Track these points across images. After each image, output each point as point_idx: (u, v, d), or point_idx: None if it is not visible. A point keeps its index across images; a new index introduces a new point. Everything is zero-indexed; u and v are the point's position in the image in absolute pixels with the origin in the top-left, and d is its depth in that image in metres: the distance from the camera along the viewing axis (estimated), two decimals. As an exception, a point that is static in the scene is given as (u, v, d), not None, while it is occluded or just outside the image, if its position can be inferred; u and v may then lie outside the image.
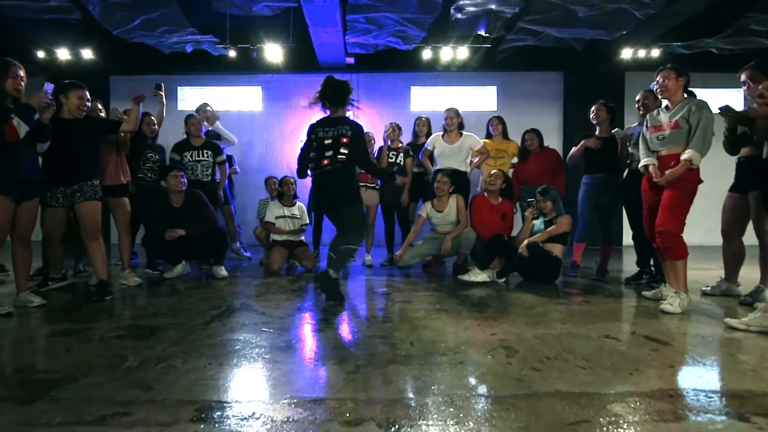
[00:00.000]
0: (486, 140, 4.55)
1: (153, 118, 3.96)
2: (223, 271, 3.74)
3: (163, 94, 4.26)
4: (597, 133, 3.80)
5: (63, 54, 5.89)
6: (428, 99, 6.84)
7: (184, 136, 4.32)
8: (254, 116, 6.84)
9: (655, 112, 2.95)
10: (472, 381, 1.59)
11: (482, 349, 1.92)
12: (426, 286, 3.42)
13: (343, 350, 1.95)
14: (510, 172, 4.47)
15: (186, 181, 3.66)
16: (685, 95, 2.81)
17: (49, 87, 2.67)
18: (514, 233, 4.06)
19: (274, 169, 6.72)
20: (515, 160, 4.59)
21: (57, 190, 2.94)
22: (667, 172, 2.69)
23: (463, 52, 5.53)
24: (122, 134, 3.51)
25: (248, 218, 6.37)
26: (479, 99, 6.84)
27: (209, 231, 3.70)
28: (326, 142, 2.85)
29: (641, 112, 3.47)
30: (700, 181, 2.73)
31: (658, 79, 2.83)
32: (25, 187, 2.62)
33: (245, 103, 6.90)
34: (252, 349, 1.94)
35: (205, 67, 6.54)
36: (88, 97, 3.06)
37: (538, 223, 3.71)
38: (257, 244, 4.91)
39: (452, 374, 1.65)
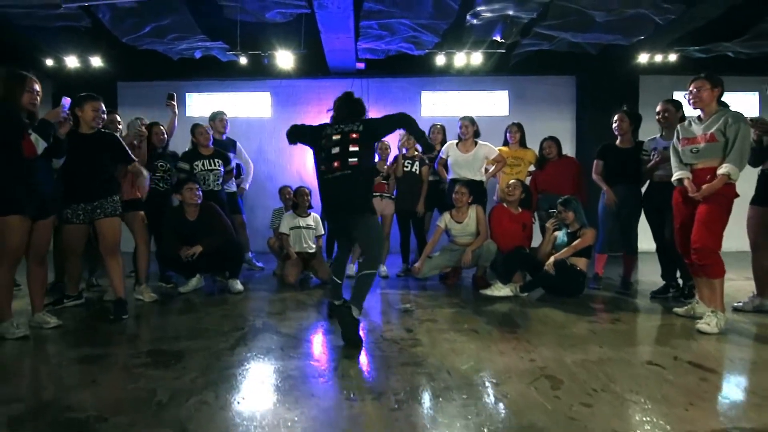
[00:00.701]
0: (503, 147, 4.47)
1: (162, 127, 3.86)
2: (238, 285, 3.67)
3: (175, 104, 4.22)
4: (618, 143, 3.71)
5: (71, 61, 5.82)
6: (439, 104, 6.76)
7: (191, 145, 4.23)
8: (263, 122, 6.77)
9: (686, 123, 2.86)
10: (524, 421, 1.51)
11: (524, 379, 1.84)
12: (448, 301, 3.34)
13: (379, 381, 1.87)
14: (527, 180, 4.39)
15: (201, 194, 3.58)
16: (719, 106, 2.73)
17: (66, 102, 2.60)
18: (533, 243, 3.98)
19: (283, 176, 6.66)
20: (532, 167, 4.51)
21: (77, 206, 2.87)
22: (703, 186, 2.60)
23: (476, 58, 5.45)
24: (139, 147, 3.45)
25: (257, 225, 6.30)
26: (491, 103, 6.75)
27: (225, 244, 3.62)
28: (334, 137, 2.56)
29: (663, 124, 3.39)
30: (736, 195, 2.64)
31: (691, 88, 2.74)
32: (41, 204, 2.55)
33: (254, 109, 6.82)
34: (285, 380, 1.86)
35: (214, 73, 6.47)
36: (104, 108, 2.98)
37: (561, 234, 3.62)
38: (267, 251, 4.84)
39: (500, 412, 1.57)
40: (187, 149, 4.17)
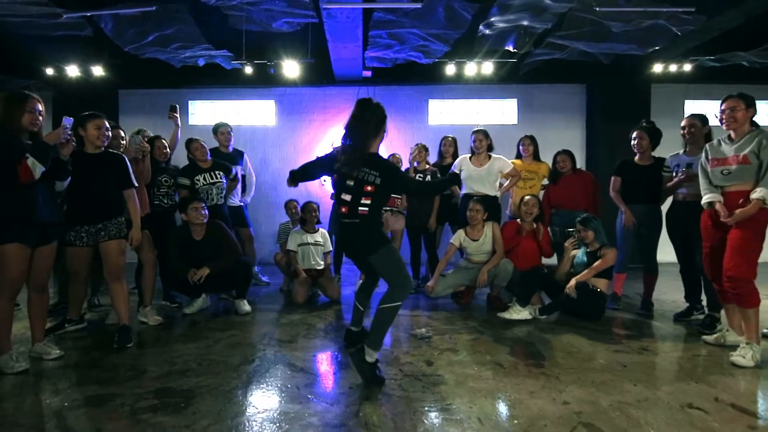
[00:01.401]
0: (516, 161, 4.36)
1: (164, 141, 3.72)
2: (246, 306, 3.54)
3: (177, 116, 4.09)
4: (637, 159, 3.59)
5: (72, 70, 5.68)
6: (446, 112, 6.65)
7: (188, 160, 4.08)
8: (267, 131, 6.65)
9: (715, 142, 2.75)
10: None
11: (561, 428, 1.72)
12: (465, 325, 3.21)
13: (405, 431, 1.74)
14: (540, 194, 4.28)
15: (207, 213, 3.46)
16: (751, 126, 2.61)
17: (68, 122, 2.47)
18: (547, 260, 3.86)
19: (288, 186, 6.52)
20: (545, 181, 4.40)
21: (81, 229, 2.74)
22: (736, 211, 2.48)
23: (487, 67, 5.34)
24: (143, 159, 3.31)
25: (261, 235, 6.18)
26: (499, 112, 6.64)
27: (234, 264, 3.49)
28: (348, 183, 2.30)
29: (687, 139, 3.27)
30: (771, 220, 2.53)
31: (723, 108, 2.63)
32: (42, 230, 2.42)
33: (258, 117, 6.70)
34: (305, 429, 1.73)
35: (217, 81, 6.35)
36: (107, 125, 2.85)
37: (580, 254, 3.50)
38: (272, 262, 4.72)
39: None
40: (187, 163, 4.04)
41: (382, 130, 2.34)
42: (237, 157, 4.61)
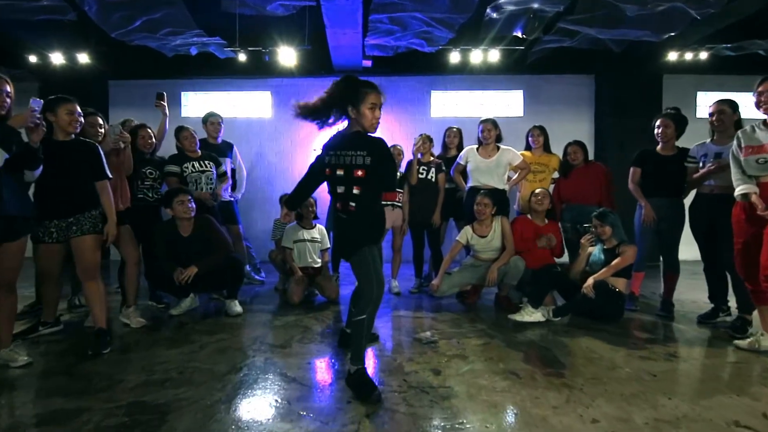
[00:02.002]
0: (524, 152, 4.11)
1: (150, 131, 3.46)
2: (237, 307, 3.30)
3: (165, 104, 3.84)
4: (659, 149, 3.34)
5: (57, 58, 5.43)
6: (449, 104, 6.39)
7: (177, 150, 3.82)
8: (263, 123, 6.39)
9: (749, 129, 2.50)
10: None
11: (593, 453, 1.48)
12: (473, 328, 2.97)
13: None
14: (550, 188, 4.04)
15: (194, 206, 3.20)
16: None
17: (36, 103, 2.20)
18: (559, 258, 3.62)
19: (284, 180, 6.29)
20: (555, 175, 4.16)
21: (50, 224, 2.49)
22: (776, 204, 2.24)
23: (493, 55, 5.08)
24: (123, 150, 3.05)
25: (257, 231, 5.94)
26: (504, 104, 6.38)
27: (224, 261, 3.25)
28: (338, 172, 2.05)
29: (716, 127, 3.02)
30: (813, 214, 2.28)
31: (760, 90, 2.38)
32: (8, 224, 2.18)
33: (254, 109, 6.45)
34: (294, 454, 1.49)
35: (211, 71, 6.10)
36: (80, 110, 2.59)
37: (596, 251, 3.26)
38: (266, 260, 4.48)
39: None
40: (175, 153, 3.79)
41: (356, 98, 1.98)
42: (226, 149, 4.35)
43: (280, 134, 6.36)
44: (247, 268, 4.59)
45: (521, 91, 6.32)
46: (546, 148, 4.11)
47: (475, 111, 6.33)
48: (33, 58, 5.37)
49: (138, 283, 3.11)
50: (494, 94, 6.35)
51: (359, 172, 1.99)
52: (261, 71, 5.83)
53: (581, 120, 6.31)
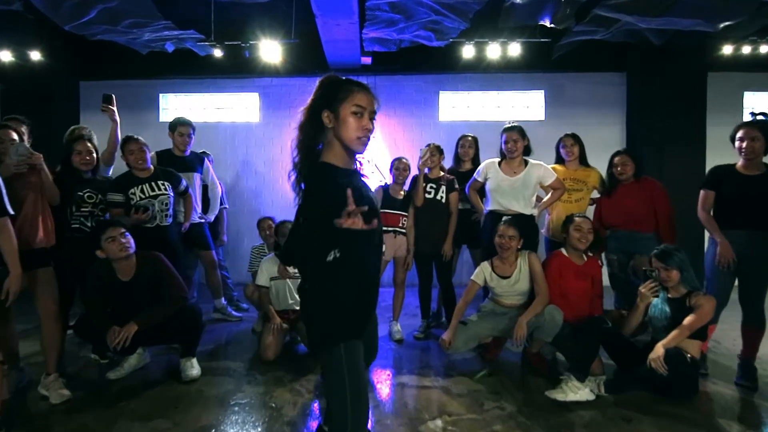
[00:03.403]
0: (555, 166, 3.37)
1: (88, 144, 2.75)
2: (193, 370, 2.58)
3: (114, 109, 3.14)
4: (741, 166, 2.57)
5: (25, 56, 4.75)
6: (460, 106, 5.65)
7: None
8: (251, 128, 5.68)
9: None
10: None
11: None
12: (499, 411, 2.22)
13: None
14: (588, 211, 3.29)
15: (132, 242, 2.48)
16: None
17: None
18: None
19: (273, 192, 5.58)
20: (595, 193, 3.40)
21: None
22: None
23: (513, 49, 4.32)
24: (37, 175, 2.36)
25: (243, 251, 5.24)
26: (523, 106, 5.63)
27: (176, 312, 2.53)
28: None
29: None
30: None
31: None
32: None
33: (240, 112, 5.75)
34: None
35: (193, 71, 5.41)
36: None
37: (658, 301, 2.50)
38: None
39: None
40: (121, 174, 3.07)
41: (333, 98, 1.32)
42: (195, 162, 3.64)
43: (269, 140, 5.65)
44: (223, 301, 3.89)
45: (542, 91, 5.56)
46: (582, 160, 3.35)
47: (489, 114, 5.59)
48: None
49: (60, 343, 2.40)
50: (511, 95, 5.60)
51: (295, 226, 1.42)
52: (247, 70, 5.13)
53: (611, 123, 5.53)
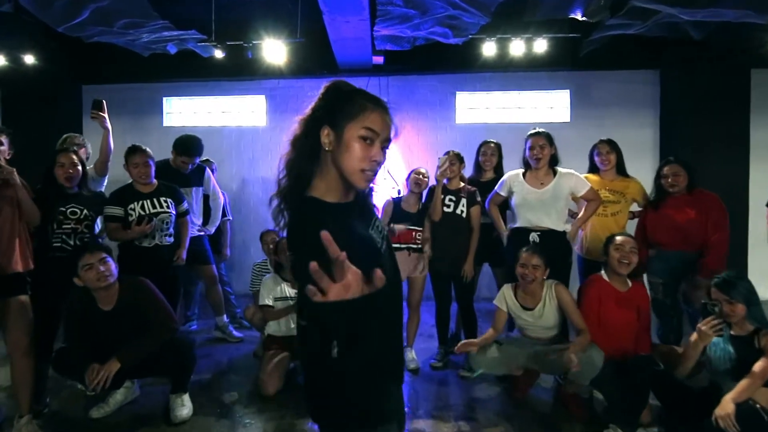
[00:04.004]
0: (589, 176, 3.01)
1: (72, 156, 2.50)
2: (184, 410, 2.30)
3: (105, 115, 2.89)
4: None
5: (26, 59, 4.56)
6: (479, 107, 5.30)
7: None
8: (257, 132, 5.43)
9: None
10: None
11: None
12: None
13: None
14: (627, 227, 2.93)
15: (114, 268, 2.20)
16: None
17: None
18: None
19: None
20: (635, 206, 3.04)
21: None
22: None
23: (539, 46, 3.95)
24: (11, 189, 2.12)
25: (250, 262, 4.97)
26: (546, 107, 5.25)
27: (166, 344, 2.25)
28: None
29: None
30: None
31: None
32: None
33: (246, 116, 5.51)
34: None
35: (197, 73, 5.17)
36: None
37: (721, 342, 2.12)
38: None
39: None
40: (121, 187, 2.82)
41: (340, 112, 1.00)
42: (196, 175, 3.39)
43: (275, 145, 5.37)
44: (225, 319, 3.63)
45: (568, 90, 5.17)
46: (620, 169, 2.99)
47: (509, 116, 5.23)
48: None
49: (32, 382, 2.14)
50: (534, 95, 5.22)
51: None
52: (253, 72, 4.86)
53: (643, 125, 5.11)
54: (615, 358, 2.25)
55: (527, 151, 2.80)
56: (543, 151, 2.74)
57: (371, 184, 1.02)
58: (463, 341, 2.50)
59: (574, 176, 2.76)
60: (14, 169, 2.09)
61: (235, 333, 3.60)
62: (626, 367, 2.15)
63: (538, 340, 2.46)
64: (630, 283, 2.45)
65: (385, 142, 1.00)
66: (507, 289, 2.54)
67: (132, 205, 2.66)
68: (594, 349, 2.21)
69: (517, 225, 2.79)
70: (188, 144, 3.27)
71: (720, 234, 2.61)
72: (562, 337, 2.42)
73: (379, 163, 0.99)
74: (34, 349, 2.11)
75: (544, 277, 2.42)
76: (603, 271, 2.49)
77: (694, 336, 2.12)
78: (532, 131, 2.84)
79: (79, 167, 2.51)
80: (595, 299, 2.37)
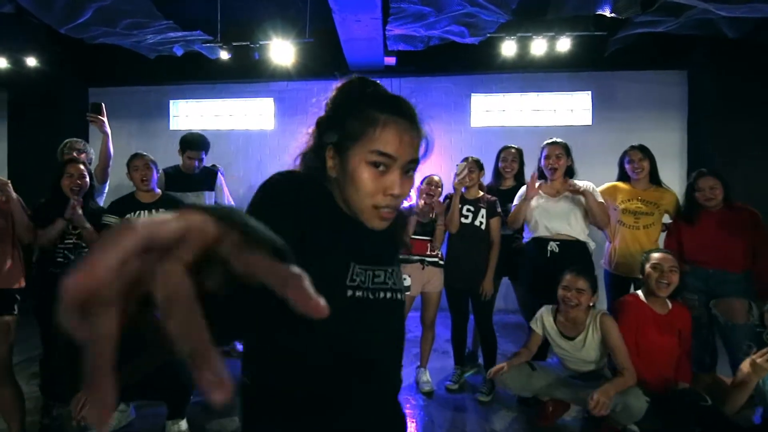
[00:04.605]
0: (619, 183, 2.78)
1: (80, 166, 2.36)
2: (180, 438, 2.13)
3: (103, 119, 2.74)
4: None
5: (31, 62, 4.48)
6: (494, 110, 5.08)
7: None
8: (265, 136, 5.29)
9: None
10: None
11: None
12: None
13: None
14: (660, 241, 2.70)
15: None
16: None
17: None
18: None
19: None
20: (666, 219, 2.80)
21: None
22: None
23: (563, 45, 3.73)
24: (6, 204, 1.99)
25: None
26: (567, 109, 5.01)
27: (163, 367, 2.09)
28: None
29: None
30: None
31: None
32: None
33: (254, 119, 5.36)
34: None
35: (204, 75, 5.05)
36: None
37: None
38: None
39: None
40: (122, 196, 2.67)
41: (345, 127, 0.76)
42: (207, 179, 3.21)
43: (284, 149, 5.15)
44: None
45: (589, 92, 4.92)
46: (654, 178, 2.75)
47: (528, 119, 5.00)
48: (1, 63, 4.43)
49: (19, 404, 1.99)
50: (554, 97, 4.98)
51: None
52: (260, 74, 4.73)
53: (669, 129, 4.85)
54: (654, 389, 2.03)
55: (542, 160, 2.60)
56: (559, 161, 2.54)
57: (386, 225, 0.77)
58: (495, 367, 2.28)
59: (591, 188, 2.55)
60: (9, 182, 1.96)
61: (240, 347, 3.43)
62: (668, 401, 1.92)
63: (575, 370, 2.24)
64: (670, 305, 2.22)
65: (410, 165, 0.76)
66: (546, 313, 2.31)
67: (129, 216, 2.50)
68: (638, 395, 1.96)
69: (534, 235, 2.58)
70: (193, 138, 3.13)
71: (763, 254, 2.37)
72: (600, 373, 2.19)
73: (399, 197, 0.75)
74: (11, 377, 1.95)
75: (591, 304, 2.19)
76: (640, 291, 2.26)
77: (746, 368, 1.88)
78: (549, 140, 2.63)
79: (87, 179, 2.38)
80: (632, 322, 2.14)
